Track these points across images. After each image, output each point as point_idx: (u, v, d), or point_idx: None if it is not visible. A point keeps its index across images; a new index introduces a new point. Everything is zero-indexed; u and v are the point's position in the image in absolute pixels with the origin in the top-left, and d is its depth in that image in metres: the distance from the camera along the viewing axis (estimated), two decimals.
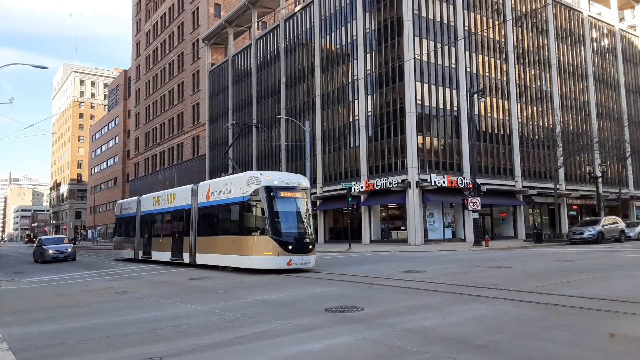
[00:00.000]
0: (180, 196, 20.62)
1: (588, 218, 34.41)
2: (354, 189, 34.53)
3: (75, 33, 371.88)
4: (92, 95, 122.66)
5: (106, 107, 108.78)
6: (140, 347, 6.17)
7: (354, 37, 38.43)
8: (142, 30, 79.80)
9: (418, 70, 34.56)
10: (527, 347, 5.52)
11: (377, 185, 34.51)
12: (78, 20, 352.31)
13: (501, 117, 39.37)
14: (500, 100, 39.45)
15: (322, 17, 42.15)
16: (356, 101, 37.93)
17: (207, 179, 50.67)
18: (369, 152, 36.67)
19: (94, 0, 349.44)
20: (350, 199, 31.07)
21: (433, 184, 32.83)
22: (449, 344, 5.70)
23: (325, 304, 8.66)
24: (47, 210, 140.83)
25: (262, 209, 15.12)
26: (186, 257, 19.23)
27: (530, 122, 41.36)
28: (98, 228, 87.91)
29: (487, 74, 38.79)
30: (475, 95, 30.24)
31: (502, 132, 39.19)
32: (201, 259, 18.24)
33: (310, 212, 16.14)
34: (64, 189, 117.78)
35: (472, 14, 38.51)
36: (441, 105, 35.59)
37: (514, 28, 41.25)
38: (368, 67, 37.19)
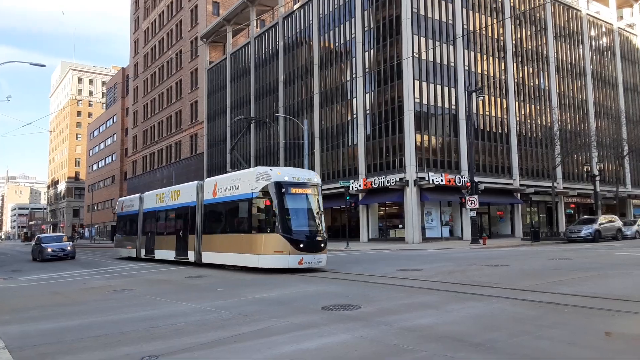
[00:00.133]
0: (184, 193, 20.07)
1: (585, 216, 34.49)
2: (352, 187, 34.52)
3: (74, 31, 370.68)
4: (90, 93, 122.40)
5: (104, 105, 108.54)
6: (137, 345, 6.16)
7: (353, 35, 38.39)
8: (140, 28, 79.60)
9: (416, 69, 34.56)
10: (524, 345, 5.53)
11: (375, 184, 34.52)
12: (76, 19, 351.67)
13: (499, 115, 39.40)
14: (498, 99, 39.47)
15: (321, 15, 42.09)
16: (354, 99, 37.91)
17: (205, 177, 50.60)
18: (367, 151, 36.67)
19: None
20: (348, 197, 31.03)
21: (431, 182, 32.85)
22: (446, 342, 5.70)
23: (323, 303, 8.66)
24: (45, 209, 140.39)
25: (272, 206, 14.54)
26: (191, 256, 18.66)
27: (528, 121, 41.40)
28: (95, 226, 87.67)
29: (485, 73, 38.80)
30: (474, 94, 30.24)
31: (500, 131, 39.22)
32: (207, 257, 17.70)
33: (321, 209, 15.54)
34: (62, 187, 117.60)
35: (470, 12, 38.49)
36: (439, 104, 35.61)
37: (513, 26, 41.25)
38: (366, 65, 37.16)
